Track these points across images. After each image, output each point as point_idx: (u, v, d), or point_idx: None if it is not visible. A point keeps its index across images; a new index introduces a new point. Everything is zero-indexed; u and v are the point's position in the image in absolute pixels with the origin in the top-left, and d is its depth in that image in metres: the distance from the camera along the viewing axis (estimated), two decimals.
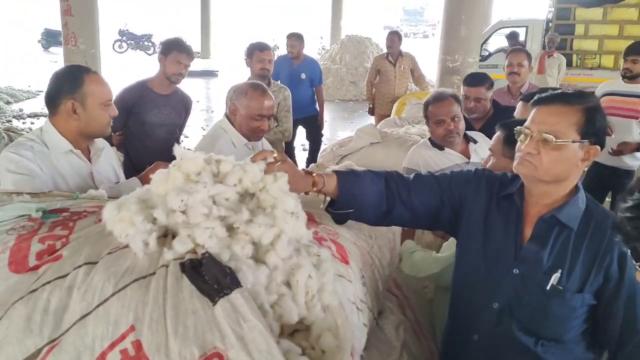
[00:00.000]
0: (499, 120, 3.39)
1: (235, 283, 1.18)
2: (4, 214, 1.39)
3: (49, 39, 22.35)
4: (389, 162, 3.72)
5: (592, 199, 1.62)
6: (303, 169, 1.68)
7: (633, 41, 4.31)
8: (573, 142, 1.48)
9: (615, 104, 4.20)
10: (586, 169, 3.83)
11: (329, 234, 1.68)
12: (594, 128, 1.49)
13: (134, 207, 1.32)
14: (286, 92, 4.65)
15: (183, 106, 3.86)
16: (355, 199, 1.66)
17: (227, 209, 1.35)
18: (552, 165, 1.50)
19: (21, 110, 10.76)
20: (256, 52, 4.38)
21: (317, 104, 5.99)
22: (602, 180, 4.22)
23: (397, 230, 2.11)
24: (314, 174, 1.64)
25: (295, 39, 5.87)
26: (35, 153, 1.99)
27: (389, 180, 1.72)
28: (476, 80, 3.42)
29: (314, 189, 1.62)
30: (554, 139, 1.47)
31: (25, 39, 24.78)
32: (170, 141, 3.20)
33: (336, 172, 1.70)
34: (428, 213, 1.73)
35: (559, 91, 1.56)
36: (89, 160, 2.16)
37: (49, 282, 1.22)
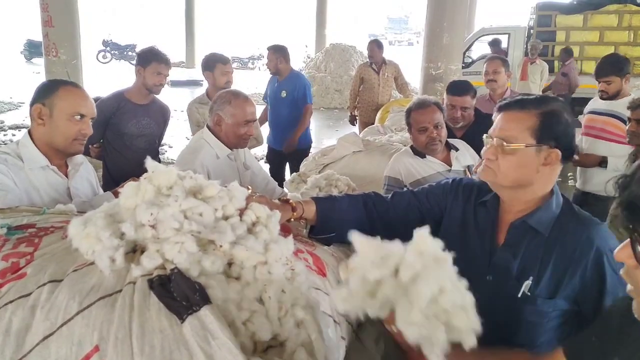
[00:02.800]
0: (480, 127, 3.38)
1: (204, 299, 1.14)
2: None
3: (32, 49, 22.17)
4: (372, 170, 3.70)
5: (571, 204, 1.61)
6: (279, 198, 1.71)
7: (613, 48, 4.28)
8: (526, 146, 1.48)
9: (593, 124, 3.89)
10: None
11: (305, 245, 1.65)
12: (551, 132, 1.48)
13: (101, 222, 1.28)
14: None
15: (162, 116, 3.82)
16: (334, 222, 1.71)
17: (198, 224, 1.31)
18: (509, 171, 1.51)
19: (2, 122, 10.63)
20: (219, 65, 4.12)
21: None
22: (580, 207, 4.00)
23: None
24: (291, 202, 1.68)
25: (271, 52, 5.20)
26: (9, 166, 1.94)
27: (367, 201, 1.78)
28: (461, 89, 3.40)
29: (294, 214, 1.66)
30: (504, 143, 1.49)
31: (7, 50, 24.55)
32: (149, 152, 3.17)
33: (314, 198, 1.76)
34: (409, 229, 1.71)
35: (518, 97, 1.58)
36: (67, 175, 2.11)
37: (11, 302, 1.18)
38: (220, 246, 1.29)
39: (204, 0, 23.91)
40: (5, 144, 2.15)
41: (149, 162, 1.42)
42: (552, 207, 1.55)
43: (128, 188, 1.36)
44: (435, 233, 1.69)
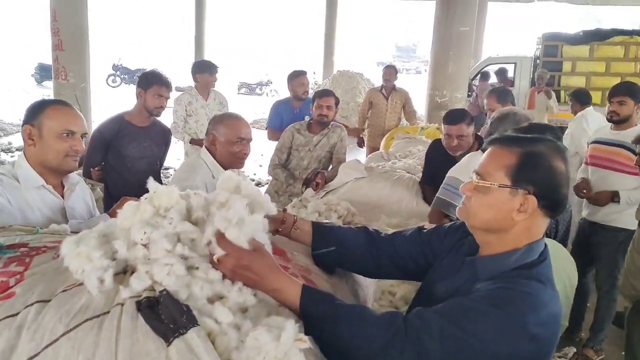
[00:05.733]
0: None
1: (191, 322, 1.13)
2: None
3: (43, 73, 22.46)
4: (374, 197, 3.70)
5: (536, 267, 1.38)
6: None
7: (619, 78, 4.22)
8: (499, 186, 1.34)
9: (598, 153, 3.81)
10: None
11: (300, 270, 1.63)
12: (530, 175, 1.32)
13: (93, 242, 1.27)
14: (343, 133, 4.41)
15: (162, 138, 3.85)
16: (332, 237, 1.66)
17: (190, 250, 1.29)
18: (479, 210, 1.37)
19: (10, 143, 10.72)
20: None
21: None
22: (586, 237, 3.88)
23: None
24: (281, 213, 1.65)
25: (305, 77, 5.35)
26: (4, 186, 1.95)
27: (367, 228, 1.73)
28: (456, 117, 3.41)
29: (282, 225, 1.64)
30: (475, 178, 1.38)
31: (19, 73, 24.91)
32: (150, 173, 3.16)
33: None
34: (414, 263, 1.67)
35: (508, 132, 1.52)
36: (62, 195, 2.12)
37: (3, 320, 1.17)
38: (197, 268, 1.28)
39: (213, 26, 24.25)
40: (2, 164, 2.16)
41: (151, 183, 1.42)
42: (509, 259, 1.37)
43: (127, 207, 1.35)
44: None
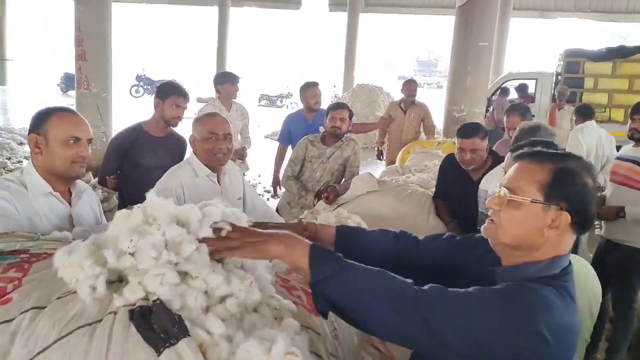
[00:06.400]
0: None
1: (183, 332, 1.12)
2: None
3: (68, 82, 22.86)
4: (385, 211, 3.67)
5: (563, 283, 1.36)
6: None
7: None
8: (532, 201, 1.32)
9: (617, 170, 3.71)
10: None
11: (300, 282, 1.62)
12: (563, 192, 1.32)
13: (84, 251, 1.28)
14: (357, 146, 4.38)
15: (178, 148, 3.87)
16: (356, 249, 1.61)
17: (177, 255, 1.29)
18: (509, 225, 1.35)
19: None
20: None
21: None
22: (603, 255, 3.77)
23: None
24: (304, 220, 1.65)
25: (317, 88, 5.26)
26: (12, 193, 1.96)
27: (399, 234, 1.70)
28: (470, 131, 3.38)
29: (305, 233, 1.60)
30: (507, 192, 1.36)
31: (46, 82, 25.40)
32: None
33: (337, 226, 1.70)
34: (441, 275, 1.63)
35: (537, 148, 1.49)
36: (70, 202, 2.14)
37: None
38: (196, 276, 1.27)
39: (236, 39, 24.54)
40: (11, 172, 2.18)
41: (149, 194, 1.42)
42: (527, 270, 1.36)
43: (118, 215, 1.36)
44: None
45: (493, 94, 11.14)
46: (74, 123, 2.07)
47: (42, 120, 2.05)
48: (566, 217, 1.32)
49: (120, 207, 3.72)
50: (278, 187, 5.30)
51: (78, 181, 2.20)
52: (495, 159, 3.48)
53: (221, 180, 2.80)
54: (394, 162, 6.56)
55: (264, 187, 8.77)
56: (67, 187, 2.15)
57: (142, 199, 3.42)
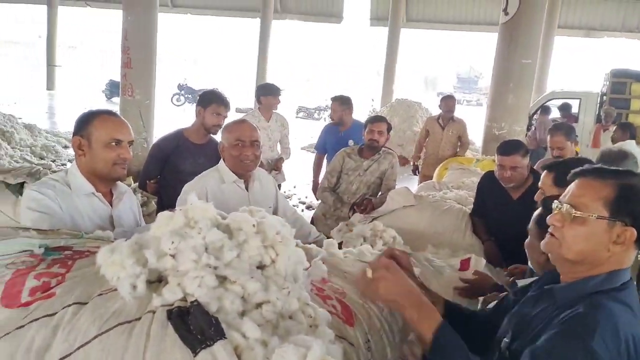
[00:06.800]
0: (538, 189, 3.28)
1: (219, 334, 1.13)
2: (6, 248, 1.40)
3: (112, 89, 23.49)
4: (421, 226, 3.63)
5: (626, 295, 1.36)
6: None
7: None
8: (597, 217, 1.33)
9: None
10: None
11: (335, 292, 1.62)
12: (628, 207, 1.33)
13: (126, 250, 1.31)
14: (394, 160, 4.40)
15: (217, 155, 3.92)
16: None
17: (217, 259, 1.30)
18: (574, 241, 1.36)
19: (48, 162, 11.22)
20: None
21: None
22: None
23: None
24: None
25: (338, 104, 5.36)
26: (57, 192, 2.03)
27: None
28: (510, 148, 3.32)
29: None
30: (573, 209, 1.36)
31: (92, 88, 26.15)
32: None
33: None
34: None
35: (598, 165, 1.48)
36: (111, 203, 2.19)
37: (36, 320, 1.21)
38: (234, 281, 1.28)
39: (276, 50, 24.83)
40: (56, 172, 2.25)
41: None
42: (586, 285, 1.37)
43: (161, 217, 1.38)
44: None
45: (535, 112, 10.95)
46: (116, 125, 2.13)
47: (85, 123, 2.11)
48: (632, 232, 1.33)
49: (158, 211, 3.78)
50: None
51: (119, 183, 2.26)
52: (537, 178, 3.41)
53: (249, 187, 2.83)
54: (429, 178, 6.50)
55: (299, 198, 8.80)
56: (109, 188, 2.21)
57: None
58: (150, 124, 8.39)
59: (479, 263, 2.77)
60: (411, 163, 7.69)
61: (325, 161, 5.51)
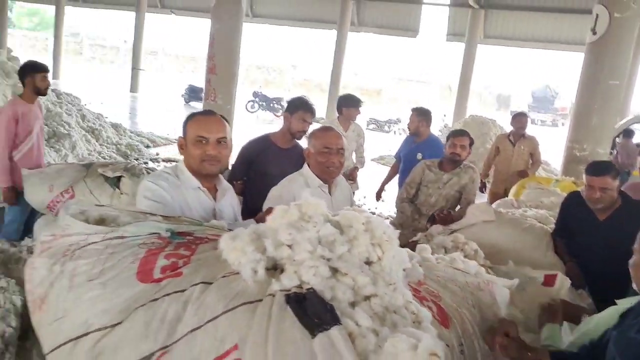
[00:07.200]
0: (627, 213, 3.20)
1: (335, 320, 1.22)
2: (138, 229, 1.55)
3: (191, 94, 24.45)
4: (500, 242, 3.61)
5: None
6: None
7: None
8: None
9: None
10: None
11: (431, 295, 1.68)
12: None
13: (247, 238, 1.43)
14: (474, 175, 4.43)
15: (301, 160, 4.05)
16: None
17: (330, 252, 1.40)
18: None
19: (157, 154, 11.74)
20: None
21: None
22: None
23: (503, 305, 2.04)
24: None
25: (415, 114, 5.40)
26: (169, 184, 2.21)
27: None
28: (601, 169, 3.26)
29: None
30: None
31: (172, 93, 27.25)
32: None
33: None
34: None
35: None
36: (214, 198, 2.35)
37: (168, 295, 1.34)
38: (346, 274, 1.37)
39: (351, 65, 25.05)
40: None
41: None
42: None
43: (277, 210, 1.50)
44: None
45: (618, 135, 10.54)
46: (202, 124, 2.26)
47: (185, 123, 2.29)
48: None
49: (243, 210, 3.95)
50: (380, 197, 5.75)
51: (223, 180, 2.41)
52: (625, 201, 3.34)
53: (332, 192, 2.93)
54: (498, 195, 6.42)
55: (369, 209, 8.86)
56: (212, 184, 2.36)
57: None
58: (209, 111, 8.72)
59: (565, 283, 2.73)
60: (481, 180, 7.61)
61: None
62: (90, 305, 1.33)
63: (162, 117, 18.30)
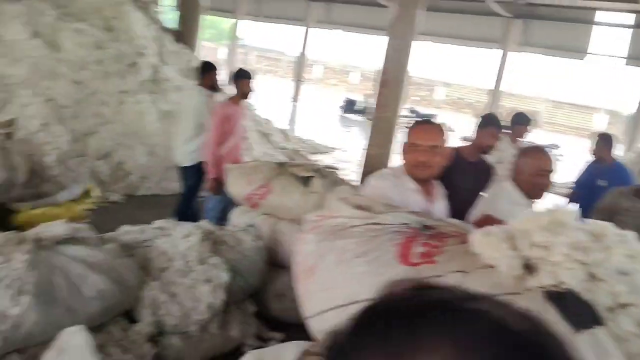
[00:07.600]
0: None
1: (597, 320, 1.28)
2: (393, 218, 1.73)
3: (347, 107, 25.48)
4: None
5: None
6: None
7: None
8: None
9: None
10: None
11: None
12: None
13: (500, 236, 1.53)
14: None
15: (486, 174, 4.09)
16: None
17: (585, 255, 1.45)
18: None
19: (316, 161, 12.29)
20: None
21: None
22: None
23: None
24: None
25: (599, 139, 5.18)
26: (392, 184, 2.39)
27: None
28: None
29: None
30: None
31: (329, 104, 28.36)
32: (469, 204, 3.47)
33: None
34: None
35: None
36: (430, 201, 2.49)
37: (427, 278, 1.48)
38: (602, 280, 1.41)
39: (511, 83, 24.15)
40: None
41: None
42: None
43: (526, 215, 1.58)
44: None
45: None
46: (417, 131, 2.45)
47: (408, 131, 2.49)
48: None
49: None
50: None
51: (438, 185, 2.55)
52: None
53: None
54: None
55: None
56: (428, 187, 2.51)
57: (451, 214, 3.68)
58: (388, 140, 8.97)
59: None
60: None
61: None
62: (358, 279, 1.52)
63: (322, 126, 19.11)
